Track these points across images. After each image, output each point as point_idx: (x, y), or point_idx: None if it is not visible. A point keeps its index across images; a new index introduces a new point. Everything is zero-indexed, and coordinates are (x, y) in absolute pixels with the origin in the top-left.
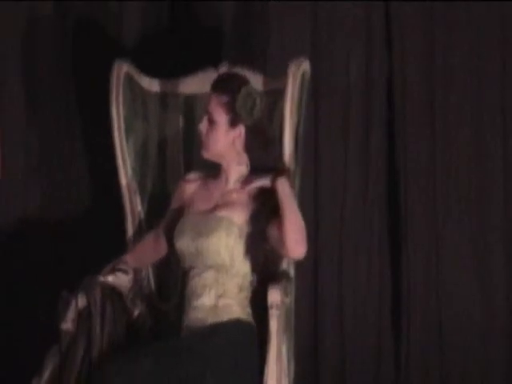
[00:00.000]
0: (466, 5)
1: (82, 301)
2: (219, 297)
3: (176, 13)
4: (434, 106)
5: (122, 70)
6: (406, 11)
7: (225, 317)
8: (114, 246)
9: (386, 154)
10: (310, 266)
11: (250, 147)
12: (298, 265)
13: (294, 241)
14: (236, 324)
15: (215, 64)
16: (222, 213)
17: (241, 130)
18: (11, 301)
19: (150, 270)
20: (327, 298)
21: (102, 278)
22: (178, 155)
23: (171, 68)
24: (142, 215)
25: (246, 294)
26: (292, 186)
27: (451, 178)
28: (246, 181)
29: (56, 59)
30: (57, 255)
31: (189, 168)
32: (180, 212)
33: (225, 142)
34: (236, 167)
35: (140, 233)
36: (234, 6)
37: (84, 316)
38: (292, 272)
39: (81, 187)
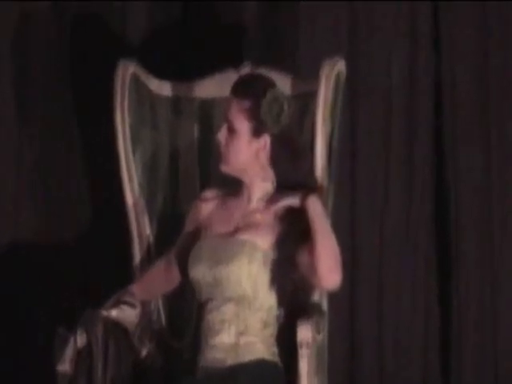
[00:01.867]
0: None
1: (81, 338)
2: (240, 334)
3: (190, 9)
4: (488, 111)
5: (127, 70)
6: (455, 8)
7: (247, 357)
8: (118, 275)
9: (433, 167)
10: (345, 298)
11: (276, 160)
12: (332, 296)
13: (328, 268)
14: (260, 365)
15: (236, 64)
16: (244, 236)
17: (266, 140)
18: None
19: (161, 303)
20: (365, 333)
21: (104, 313)
22: (193, 169)
23: (185, 69)
24: (151, 239)
25: (272, 330)
26: (325, 204)
27: (510, 193)
28: (271, 199)
29: (52, 59)
30: (53, 284)
31: (205, 184)
32: (195, 235)
33: (247, 154)
34: (260, 183)
35: (149, 259)
36: (258, 2)
37: (84, 355)
38: (325, 304)
39: (80, 205)
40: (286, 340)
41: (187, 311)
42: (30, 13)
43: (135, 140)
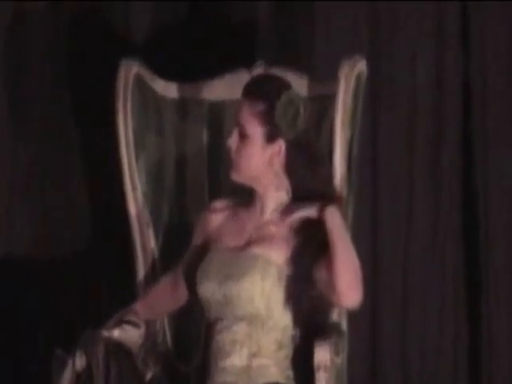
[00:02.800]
0: None
1: (81, 361)
2: (253, 356)
3: (198, 5)
4: None
5: (130, 70)
6: (485, 7)
7: (260, 380)
8: (120, 292)
9: (461, 172)
10: (366, 316)
11: (291, 167)
12: (352, 315)
13: (347, 285)
14: None
15: (248, 65)
16: (257, 250)
17: (280, 145)
18: None
19: (167, 322)
20: (388, 355)
21: (105, 333)
22: (202, 178)
23: (192, 69)
24: (156, 253)
25: (287, 352)
26: (344, 215)
27: None
28: (286, 210)
29: (51, 60)
30: (49, 304)
31: (215, 194)
32: (204, 249)
33: (260, 161)
34: (274, 193)
35: (153, 275)
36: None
37: (83, 379)
38: (344, 324)
39: (79, 216)
40: (302, 362)
41: (195, 331)
42: (27, 12)
43: (139, 146)
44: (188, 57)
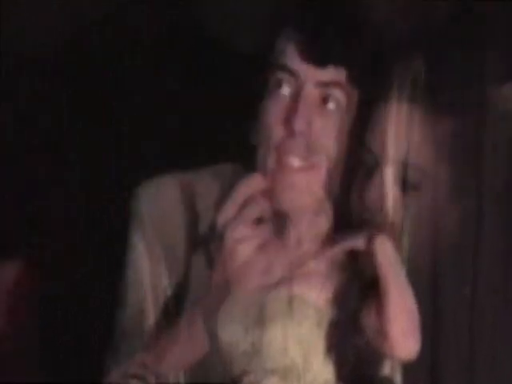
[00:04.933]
0: None
1: None
2: None
3: None
4: None
5: None
6: None
7: None
8: None
9: None
10: (425, 370)
11: (333, 187)
12: (408, 368)
13: (401, 332)
14: None
15: None
16: (292, 289)
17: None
18: None
19: (182, 377)
20: None
21: None
22: None
23: None
24: (169, 290)
25: None
26: (398, 247)
27: None
28: (327, 240)
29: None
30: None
31: None
32: (226, 288)
33: None
34: (312, 218)
35: (166, 318)
36: None
37: None
38: (398, 379)
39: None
40: None
41: None
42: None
43: None
44: None
